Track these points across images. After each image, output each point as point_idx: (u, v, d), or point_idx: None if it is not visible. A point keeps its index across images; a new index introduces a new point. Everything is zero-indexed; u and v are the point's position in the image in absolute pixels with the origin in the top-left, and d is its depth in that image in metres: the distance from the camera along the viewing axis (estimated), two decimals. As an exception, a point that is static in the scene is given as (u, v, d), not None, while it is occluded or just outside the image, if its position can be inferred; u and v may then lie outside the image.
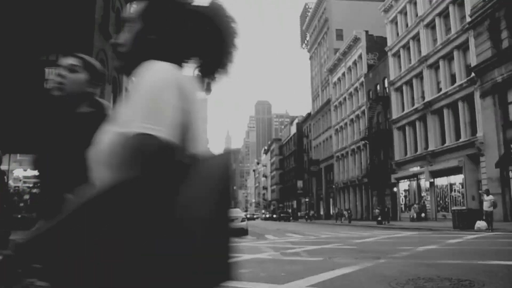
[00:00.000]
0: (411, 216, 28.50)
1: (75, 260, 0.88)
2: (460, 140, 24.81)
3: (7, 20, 17.55)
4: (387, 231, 18.71)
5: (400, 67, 33.79)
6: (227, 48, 1.21)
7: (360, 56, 42.72)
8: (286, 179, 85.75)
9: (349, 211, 36.65)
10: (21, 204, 16.16)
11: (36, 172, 2.01)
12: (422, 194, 30.08)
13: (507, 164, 20.00)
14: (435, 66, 28.33)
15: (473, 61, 23.33)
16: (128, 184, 0.93)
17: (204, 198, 0.95)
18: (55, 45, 17.78)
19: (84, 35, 17.88)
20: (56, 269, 0.90)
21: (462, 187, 24.83)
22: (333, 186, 50.74)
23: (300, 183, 67.81)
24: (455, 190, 26.08)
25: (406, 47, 32.73)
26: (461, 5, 25.43)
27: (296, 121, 77.81)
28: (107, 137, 1.05)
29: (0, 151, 5.77)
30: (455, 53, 25.61)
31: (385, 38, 37.04)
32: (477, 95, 22.94)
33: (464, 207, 20.74)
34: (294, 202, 74.23)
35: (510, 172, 20.37)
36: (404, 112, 32.43)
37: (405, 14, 33.16)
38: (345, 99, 47.14)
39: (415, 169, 30.26)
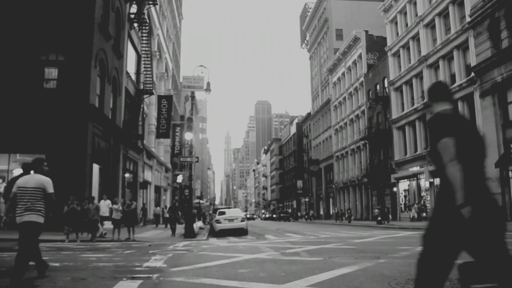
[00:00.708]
0: (411, 216, 28.52)
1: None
2: (460, 140, 24.75)
3: (7, 19, 17.54)
4: (386, 231, 18.71)
5: (400, 67, 33.80)
6: None
7: (360, 56, 42.73)
8: (286, 179, 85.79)
9: (349, 211, 36.66)
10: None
11: None
12: (422, 194, 30.09)
13: (506, 164, 20.00)
14: (435, 66, 28.33)
15: (472, 61, 23.33)
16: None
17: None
18: (55, 44, 17.78)
19: (83, 35, 17.87)
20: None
21: (462, 187, 24.78)
22: (333, 186, 50.76)
23: (300, 183, 67.80)
24: (455, 190, 26.04)
25: (406, 47, 32.74)
26: (461, 5, 25.42)
27: (296, 121, 77.86)
28: None
29: None
30: (455, 53, 25.60)
31: (385, 38, 37.06)
32: (476, 95, 22.93)
33: (464, 207, 20.68)
34: (294, 202, 74.25)
35: (510, 172, 20.38)
36: (404, 112, 32.44)
37: (405, 14, 33.17)
38: (345, 99, 47.14)
39: (415, 169, 30.27)
